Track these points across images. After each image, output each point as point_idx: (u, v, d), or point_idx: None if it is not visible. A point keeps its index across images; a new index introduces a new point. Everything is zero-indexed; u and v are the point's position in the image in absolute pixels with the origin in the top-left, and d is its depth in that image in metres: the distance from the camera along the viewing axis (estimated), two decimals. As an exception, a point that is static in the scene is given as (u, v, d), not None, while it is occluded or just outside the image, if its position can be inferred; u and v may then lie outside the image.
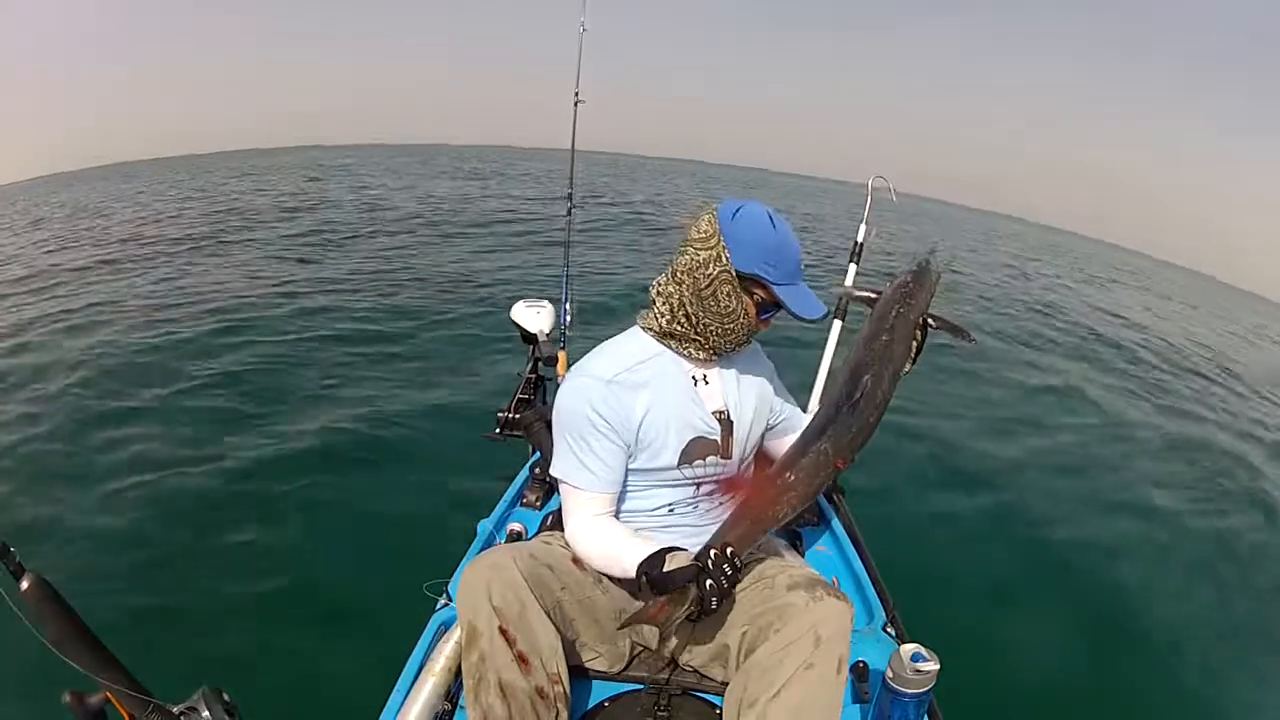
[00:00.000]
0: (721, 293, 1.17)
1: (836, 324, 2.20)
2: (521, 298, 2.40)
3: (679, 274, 1.20)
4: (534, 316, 2.33)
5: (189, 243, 9.48)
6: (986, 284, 11.72)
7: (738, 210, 1.18)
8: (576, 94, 2.65)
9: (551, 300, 2.42)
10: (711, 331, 1.20)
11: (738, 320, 1.19)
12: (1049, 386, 6.26)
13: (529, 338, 2.35)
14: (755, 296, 1.18)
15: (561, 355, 2.36)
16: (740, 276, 1.16)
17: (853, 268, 2.24)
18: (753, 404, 1.32)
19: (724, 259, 1.15)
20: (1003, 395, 5.74)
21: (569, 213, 2.85)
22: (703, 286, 1.17)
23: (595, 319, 4.38)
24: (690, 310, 1.19)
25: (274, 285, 7.06)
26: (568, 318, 2.52)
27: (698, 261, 1.17)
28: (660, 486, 1.26)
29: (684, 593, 1.04)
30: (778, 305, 1.18)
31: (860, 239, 2.22)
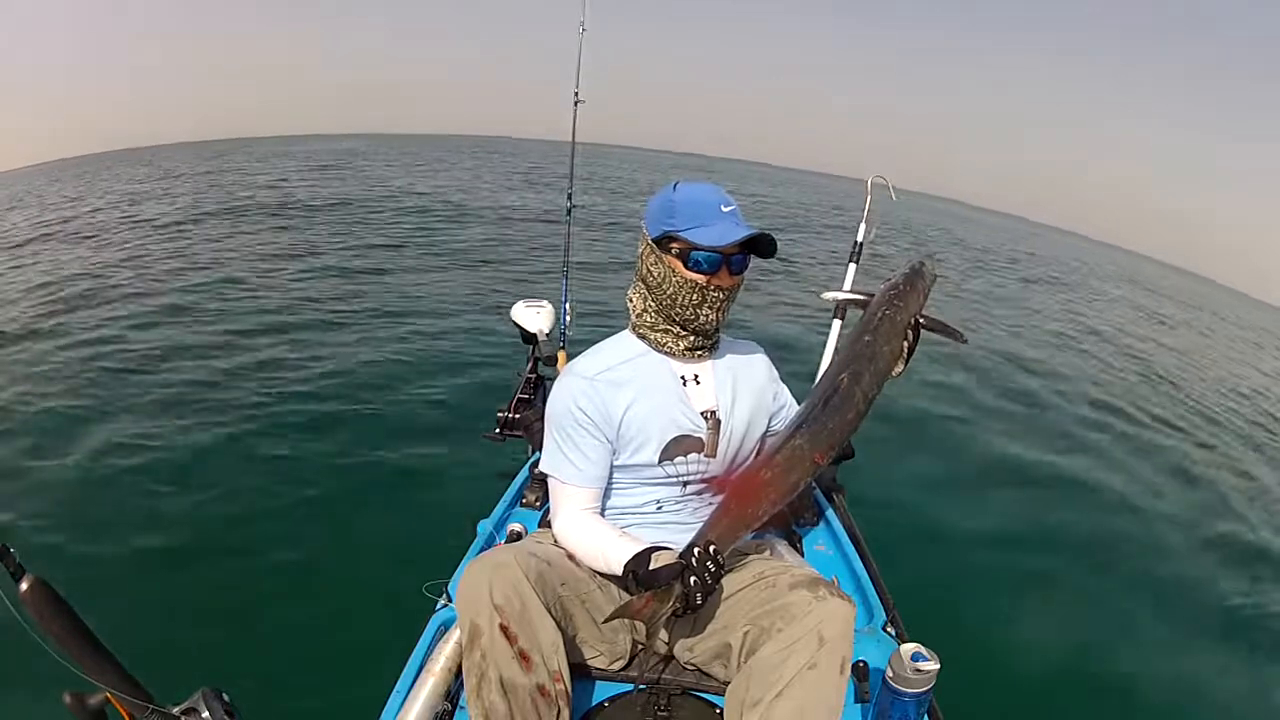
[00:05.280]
0: (653, 268, 1.24)
1: (836, 325, 2.20)
2: (522, 298, 2.40)
3: (636, 274, 1.29)
4: (534, 316, 2.33)
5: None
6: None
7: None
8: (576, 93, 2.64)
9: (551, 300, 2.42)
10: (667, 309, 1.25)
11: (672, 284, 1.22)
12: (1057, 390, 6.27)
13: (529, 338, 2.35)
14: (673, 251, 1.21)
15: (561, 355, 2.36)
16: (656, 242, 1.23)
17: (852, 267, 2.23)
18: (748, 405, 1.33)
19: (645, 238, 1.25)
20: (1006, 395, 5.76)
21: (569, 213, 2.84)
22: (644, 273, 1.26)
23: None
24: (647, 299, 1.27)
25: (270, 279, 7.06)
26: (567, 318, 2.52)
27: (638, 256, 1.27)
28: (645, 484, 1.28)
29: (669, 589, 1.06)
30: (694, 247, 1.20)
31: (860, 239, 2.21)
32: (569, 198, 2.82)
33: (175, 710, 0.99)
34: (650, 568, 1.08)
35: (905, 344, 1.17)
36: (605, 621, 1.17)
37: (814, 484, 1.95)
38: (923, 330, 1.20)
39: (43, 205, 14.29)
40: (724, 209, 1.20)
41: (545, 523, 1.65)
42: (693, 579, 1.04)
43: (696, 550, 1.06)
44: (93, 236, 9.90)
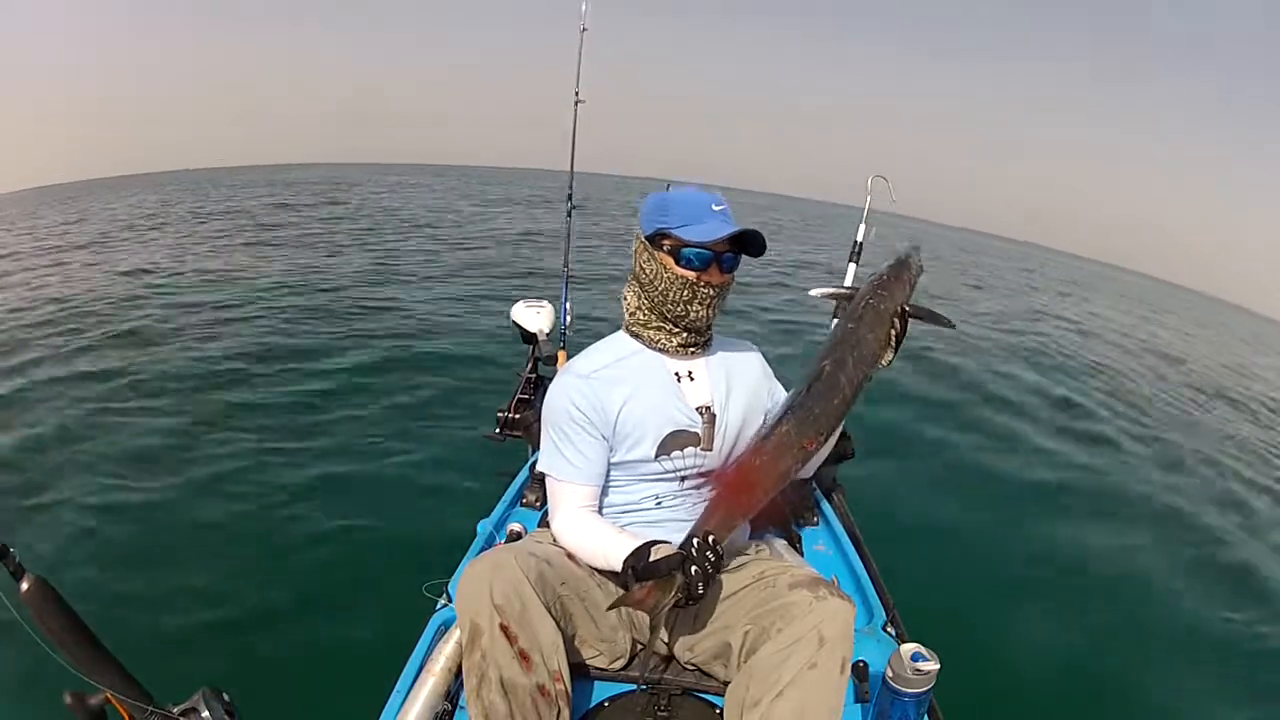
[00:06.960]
0: (646, 265, 1.27)
1: (835, 324, 2.19)
2: (522, 298, 2.40)
3: (631, 272, 1.32)
4: (534, 316, 2.33)
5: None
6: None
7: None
8: (577, 94, 2.64)
9: (551, 300, 2.42)
10: (659, 306, 1.27)
11: (663, 280, 1.25)
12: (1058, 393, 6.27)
13: (529, 338, 2.35)
14: (665, 247, 1.24)
15: (561, 355, 2.36)
16: (650, 240, 1.26)
17: (852, 267, 2.23)
18: (742, 400, 1.34)
19: (639, 237, 1.28)
20: (1007, 396, 5.75)
21: (569, 214, 2.84)
22: (638, 270, 1.29)
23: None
24: (641, 297, 1.30)
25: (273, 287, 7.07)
26: (567, 318, 2.52)
27: (632, 253, 1.30)
28: (643, 480, 1.29)
29: (670, 580, 1.06)
30: (685, 244, 1.22)
31: (860, 239, 2.21)
32: (569, 198, 2.82)
33: (175, 710, 0.99)
34: (650, 560, 1.09)
35: (892, 333, 1.18)
36: (607, 610, 1.17)
37: (814, 484, 1.95)
38: (912, 320, 1.20)
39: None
40: (715, 208, 1.24)
41: (545, 523, 1.66)
42: (693, 569, 1.05)
43: (696, 540, 1.07)
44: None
